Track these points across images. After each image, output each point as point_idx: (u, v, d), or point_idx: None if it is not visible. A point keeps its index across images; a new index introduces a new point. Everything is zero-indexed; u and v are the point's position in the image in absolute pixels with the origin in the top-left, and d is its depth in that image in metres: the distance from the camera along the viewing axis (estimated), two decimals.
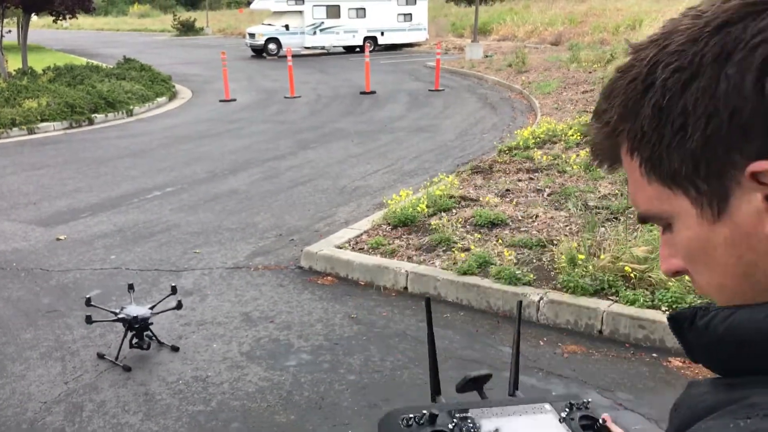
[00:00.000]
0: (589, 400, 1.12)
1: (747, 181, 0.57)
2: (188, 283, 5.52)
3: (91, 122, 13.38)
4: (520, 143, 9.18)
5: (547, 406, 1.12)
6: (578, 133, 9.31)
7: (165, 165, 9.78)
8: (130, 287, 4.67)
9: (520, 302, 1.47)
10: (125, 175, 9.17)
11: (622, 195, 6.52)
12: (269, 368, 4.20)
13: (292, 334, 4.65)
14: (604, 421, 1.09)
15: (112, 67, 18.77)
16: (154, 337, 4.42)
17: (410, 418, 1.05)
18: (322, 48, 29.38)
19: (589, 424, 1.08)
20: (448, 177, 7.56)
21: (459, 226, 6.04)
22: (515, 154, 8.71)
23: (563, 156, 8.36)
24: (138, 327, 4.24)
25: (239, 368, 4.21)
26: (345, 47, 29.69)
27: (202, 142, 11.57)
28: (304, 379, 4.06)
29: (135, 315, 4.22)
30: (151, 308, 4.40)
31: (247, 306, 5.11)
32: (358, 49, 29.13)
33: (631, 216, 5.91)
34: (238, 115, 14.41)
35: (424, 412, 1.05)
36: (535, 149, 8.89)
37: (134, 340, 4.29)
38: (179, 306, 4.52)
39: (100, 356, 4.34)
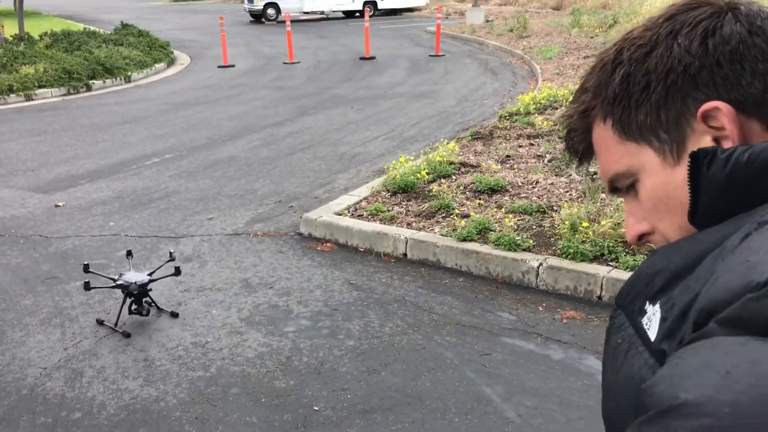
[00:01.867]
0: None
1: (699, 124, 0.72)
2: (187, 249, 5.52)
3: (88, 88, 13.26)
4: (521, 109, 9.10)
5: None
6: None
7: (163, 131, 9.72)
8: (129, 253, 4.66)
9: None
10: (123, 142, 9.11)
11: None
12: (268, 334, 4.21)
13: (292, 300, 4.65)
14: None
15: (109, 32, 18.55)
16: (153, 304, 4.42)
17: None
18: (321, 13, 29.00)
19: None
20: (448, 143, 7.50)
21: (459, 192, 6.01)
22: (516, 120, 8.64)
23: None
24: (137, 293, 4.24)
25: (239, 334, 4.22)
26: (344, 12, 29.32)
27: (200, 108, 11.48)
28: (303, 345, 4.07)
29: (134, 281, 4.22)
30: (150, 274, 4.39)
31: (247, 272, 5.10)
32: (357, 14, 28.77)
33: None
34: (237, 81, 14.28)
35: None
36: (536, 115, 8.82)
37: (133, 307, 4.29)
38: (178, 272, 4.51)
39: (100, 322, 4.35)
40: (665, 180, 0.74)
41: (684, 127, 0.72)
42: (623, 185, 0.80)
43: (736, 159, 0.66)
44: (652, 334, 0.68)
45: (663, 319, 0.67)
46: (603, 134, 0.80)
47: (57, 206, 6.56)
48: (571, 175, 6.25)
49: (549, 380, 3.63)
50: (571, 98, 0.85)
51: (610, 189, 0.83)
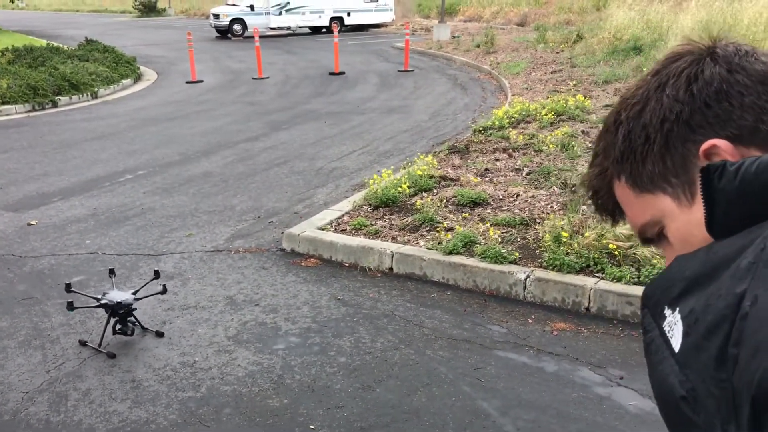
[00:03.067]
0: None
1: (703, 162, 0.74)
2: (168, 266, 5.41)
3: (54, 105, 13.01)
4: (495, 123, 9.17)
5: None
6: (552, 113, 9.35)
7: (135, 147, 9.56)
8: (111, 272, 4.55)
9: None
10: (95, 159, 8.94)
11: None
12: (258, 352, 4.14)
13: (279, 317, 4.58)
14: None
15: (74, 48, 18.25)
16: (137, 323, 4.31)
17: None
18: (288, 29, 28.98)
19: None
20: (426, 157, 7.52)
21: (441, 206, 6.01)
22: (491, 134, 8.70)
23: (539, 135, 8.38)
24: (122, 313, 4.13)
25: (227, 353, 4.14)
26: (311, 28, 29.35)
27: (171, 124, 11.34)
28: (295, 362, 4.01)
29: (118, 300, 4.11)
30: (134, 293, 4.29)
31: (231, 289, 5.02)
32: (324, 30, 28.85)
33: None
34: (206, 96, 14.15)
35: None
36: (510, 129, 8.90)
37: (117, 326, 4.18)
38: (164, 290, 4.42)
39: (82, 343, 4.23)
40: (686, 221, 0.77)
41: (690, 169, 0.76)
42: (653, 234, 0.83)
43: (746, 169, 0.67)
44: (675, 343, 0.69)
45: (686, 334, 0.68)
46: (622, 191, 0.84)
47: (30, 224, 6.39)
48: (551, 187, 6.30)
49: (545, 393, 3.63)
50: (591, 159, 0.90)
51: (643, 240, 0.86)
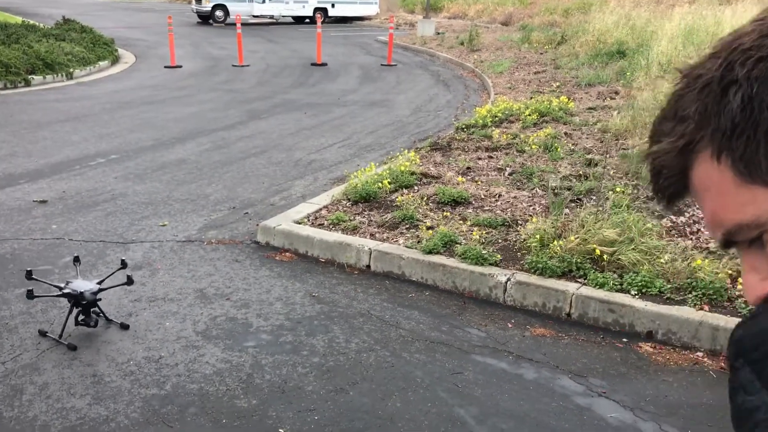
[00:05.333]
0: None
1: None
2: (137, 256, 5.21)
3: (27, 84, 12.64)
4: (478, 121, 9.05)
5: None
6: (535, 113, 9.25)
7: (108, 131, 9.29)
8: (76, 260, 4.35)
9: None
10: (66, 141, 8.66)
11: (585, 177, 6.46)
12: (227, 349, 3.97)
13: (251, 312, 4.41)
14: None
15: (50, 27, 17.79)
16: (101, 314, 4.12)
17: None
18: (271, 17, 28.63)
19: None
20: (408, 153, 7.37)
21: (422, 203, 5.87)
22: (473, 132, 8.58)
23: (521, 135, 8.28)
24: (85, 303, 3.93)
25: (195, 348, 3.96)
26: (294, 17, 29.03)
27: (147, 108, 11.06)
28: (265, 361, 3.84)
29: (82, 290, 3.91)
30: (99, 283, 4.09)
31: (201, 282, 4.84)
32: (307, 20, 28.54)
33: (593, 198, 5.86)
34: (185, 82, 13.86)
35: None
36: (493, 128, 8.78)
37: (80, 317, 3.99)
38: (130, 281, 4.22)
39: (42, 333, 4.02)
40: None
41: None
42: (746, 237, 0.63)
43: None
44: None
45: None
46: (713, 175, 0.63)
47: (35, 201, 6.16)
48: (533, 188, 6.19)
49: (523, 401, 3.51)
50: (650, 128, 0.68)
51: (724, 243, 0.66)
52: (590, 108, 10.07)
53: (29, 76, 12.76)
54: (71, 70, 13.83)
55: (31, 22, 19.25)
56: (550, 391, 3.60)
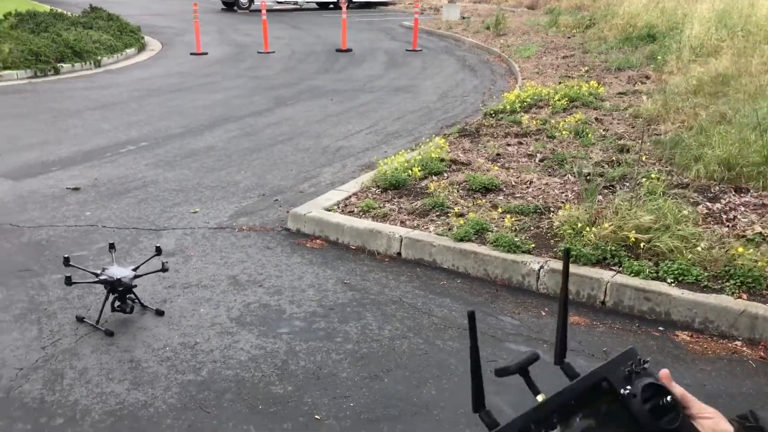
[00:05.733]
0: (647, 360, 0.94)
1: None
2: (170, 242, 5.25)
3: (57, 72, 12.77)
4: (507, 107, 8.97)
5: (605, 384, 0.92)
6: (565, 99, 9.14)
7: (137, 118, 9.36)
8: (111, 246, 4.39)
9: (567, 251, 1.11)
10: (96, 128, 8.74)
11: (617, 163, 6.38)
12: (261, 335, 3.99)
13: (283, 299, 4.43)
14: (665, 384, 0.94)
15: (77, 15, 17.93)
16: (137, 300, 4.16)
17: None
18: (295, 3, 28.57)
19: (653, 395, 0.89)
20: (437, 139, 7.33)
21: (453, 190, 5.84)
22: (501, 118, 8.51)
23: (551, 121, 8.19)
24: (121, 289, 3.98)
25: (229, 335, 3.99)
26: (318, 3, 28.94)
27: (174, 95, 11.12)
28: (299, 348, 3.86)
29: (118, 277, 3.95)
30: (135, 269, 4.13)
31: (234, 269, 4.86)
32: (331, 6, 28.45)
33: (627, 184, 5.79)
34: (211, 69, 13.91)
35: None
36: (522, 113, 8.71)
37: (116, 303, 4.03)
38: (165, 268, 4.26)
39: (80, 319, 4.08)
40: None
41: None
42: None
43: None
44: None
45: None
46: None
47: (68, 189, 6.28)
48: (565, 175, 6.13)
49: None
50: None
51: None
52: (620, 93, 9.93)
53: (58, 65, 12.88)
54: (99, 58, 13.93)
55: (59, 10, 19.40)
56: None
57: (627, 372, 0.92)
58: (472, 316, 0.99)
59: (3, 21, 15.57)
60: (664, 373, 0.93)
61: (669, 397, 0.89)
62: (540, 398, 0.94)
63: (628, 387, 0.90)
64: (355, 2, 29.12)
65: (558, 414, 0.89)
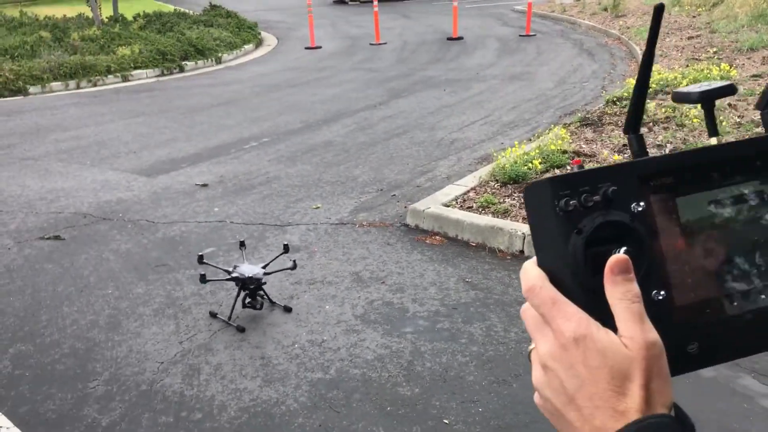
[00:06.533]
0: None
1: None
2: (294, 238, 5.38)
3: (181, 69, 13.41)
4: (630, 93, 8.57)
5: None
6: (693, 83, 8.62)
7: (259, 114, 9.67)
8: (242, 244, 4.54)
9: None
10: (220, 125, 9.11)
11: None
12: (386, 334, 4.01)
13: (406, 297, 4.44)
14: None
15: (198, 14, 18.75)
16: (266, 297, 4.29)
17: (572, 195, 0.55)
18: None
19: None
20: (557, 130, 7.11)
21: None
22: (625, 105, 8.14)
23: (681, 108, 7.75)
24: (252, 287, 4.11)
25: (355, 333, 4.04)
26: None
27: (292, 90, 11.40)
28: (425, 348, 3.85)
29: (249, 275, 4.09)
30: (264, 267, 4.26)
31: (356, 265, 4.92)
32: None
33: None
34: (325, 62, 14.15)
35: (600, 186, 0.55)
36: (648, 100, 8.29)
37: (247, 300, 4.17)
38: (294, 266, 4.37)
39: (213, 315, 4.25)
40: None
41: None
42: None
43: None
44: None
45: None
46: None
47: (203, 185, 6.67)
48: None
49: (700, 400, 3.30)
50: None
51: None
52: (755, 75, 9.26)
53: (183, 62, 13.51)
54: (220, 54, 14.50)
55: (182, 9, 20.35)
56: (730, 391, 3.36)
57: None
58: (660, 8, 0.63)
59: (133, 23, 16.51)
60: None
61: None
62: (714, 141, 0.67)
63: None
64: None
65: (732, 164, 0.59)
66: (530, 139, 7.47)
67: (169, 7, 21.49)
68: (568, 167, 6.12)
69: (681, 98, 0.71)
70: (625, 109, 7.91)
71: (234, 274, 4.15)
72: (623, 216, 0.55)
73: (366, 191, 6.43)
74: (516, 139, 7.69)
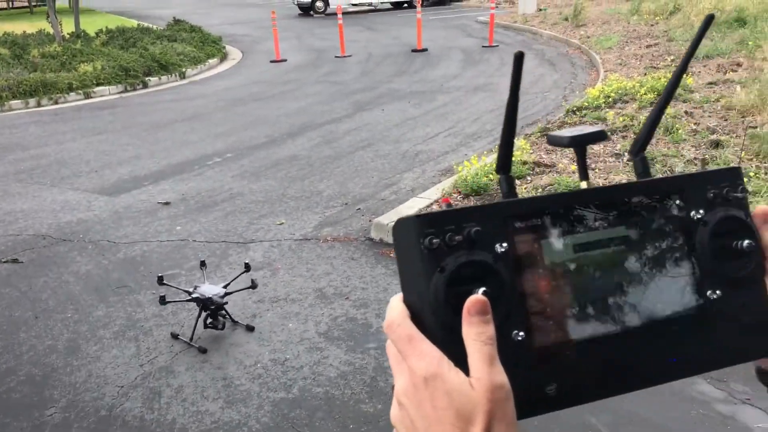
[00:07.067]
0: (746, 190, 0.66)
1: None
2: (257, 255, 5.36)
3: (145, 85, 13.29)
4: (590, 102, 8.71)
5: (678, 200, 0.65)
6: (651, 92, 8.80)
7: (223, 129, 9.62)
8: (203, 264, 4.51)
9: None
10: (184, 140, 9.04)
11: (711, 159, 6.09)
12: (349, 350, 4.01)
13: (370, 312, 4.44)
14: None
15: (162, 28, 18.63)
16: (228, 316, 4.26)
17: (437, 234, 0.55)
18: (369, 4, 28.74)
19: (730, 233, 0.64)
20: (518, 140, 7.19)
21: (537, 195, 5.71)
22: (585, 115, 8.28)
23: (639, 117, 7.90)
24: (213, 307, 4.08)
25: (318, 350, 4.03)
26: (392, 3, 29.02)
27: (257, 104, 11.37)
28: (387, 364, 3.84)
29: (210, 295, 4.06)
30: (225, 287, 4.23)
31: (320, 281, 4.91)
32: (405, 5, 28.48)
33: None
34: (290, 76, 14.15)
35: (465, 226, 0.56)
36: (607, 109, 8.44)
37: (209, 320, 4.14)
38: (254, 286, 4.34)
39: (174, 336, 4.21)
40: None
41: None
42: None
43: None
44: None
45: None
46: None
47: (159, 203, 6.63)
48: (656, 175, 5.89)
49: (658, 409, 3.35)
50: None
51: None
52: (710, 83, 9.48)
53: (146, 78, 13.40)
54: (184, 69, 14.41)
55: (146, 24, 20.20)
56: (688, 398, 3.42)
57: (713, 194, 0.67)
58: (519, 58, 0.61)
59: (95, 39, 16.34)
60: (760, 210, 0.67)
61: (748, 242, 0.64)
62: (584, 185, 0.69)
63: (701, 211, 0.65)
64: (428, 0, 29.03)
65: (599, 208, 0.62)
66: (492, 150, 7.55)
67: (133, 23, 21.32)
68: (528, 178, 6.20)
69: (554, 142, 0.72)
70: (585, 119, 8.06)
71: (194, 295, 4.12)
72: (486, 256, 0.56)
73: (331, 205, 6.43)
74: (479, 150, 7.76)
